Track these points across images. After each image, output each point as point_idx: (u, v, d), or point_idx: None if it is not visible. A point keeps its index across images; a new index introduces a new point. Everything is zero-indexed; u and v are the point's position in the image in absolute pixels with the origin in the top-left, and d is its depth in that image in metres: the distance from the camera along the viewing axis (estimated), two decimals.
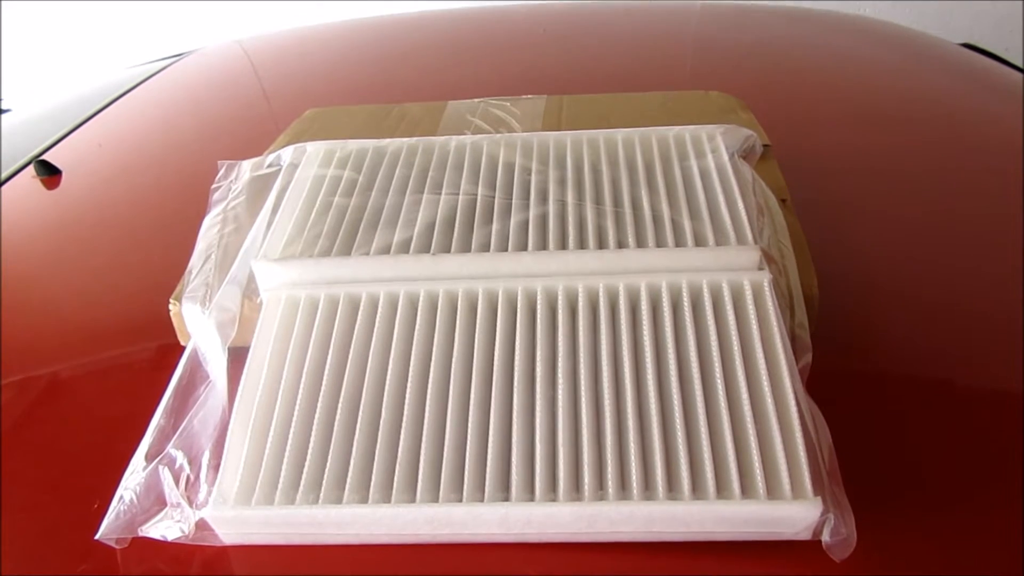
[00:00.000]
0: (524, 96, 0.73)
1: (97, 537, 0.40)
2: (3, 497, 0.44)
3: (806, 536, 0.38)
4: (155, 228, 0.71)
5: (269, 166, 0.57)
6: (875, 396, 0.48)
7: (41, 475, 0.46)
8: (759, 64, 0.96)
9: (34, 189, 0.80)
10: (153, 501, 0.41)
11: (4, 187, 0.81)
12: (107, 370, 0.54)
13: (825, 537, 0.37)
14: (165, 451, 0.42)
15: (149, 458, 0.42)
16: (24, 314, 0.61)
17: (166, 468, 0.41)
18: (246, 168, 0.57)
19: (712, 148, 0.54)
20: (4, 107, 1.12)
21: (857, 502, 0.38)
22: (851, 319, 0.52)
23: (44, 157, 0.83)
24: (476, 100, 0.72)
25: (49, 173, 0.81)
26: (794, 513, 0.37)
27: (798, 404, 0.40)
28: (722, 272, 0.46)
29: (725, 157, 0.53)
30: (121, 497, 0.41)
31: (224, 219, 0.53)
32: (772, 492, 0.38)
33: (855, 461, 0.40)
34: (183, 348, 0.48)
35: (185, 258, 0.52)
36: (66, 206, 0.77)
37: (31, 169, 0.82)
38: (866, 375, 0.49)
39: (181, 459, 0.41)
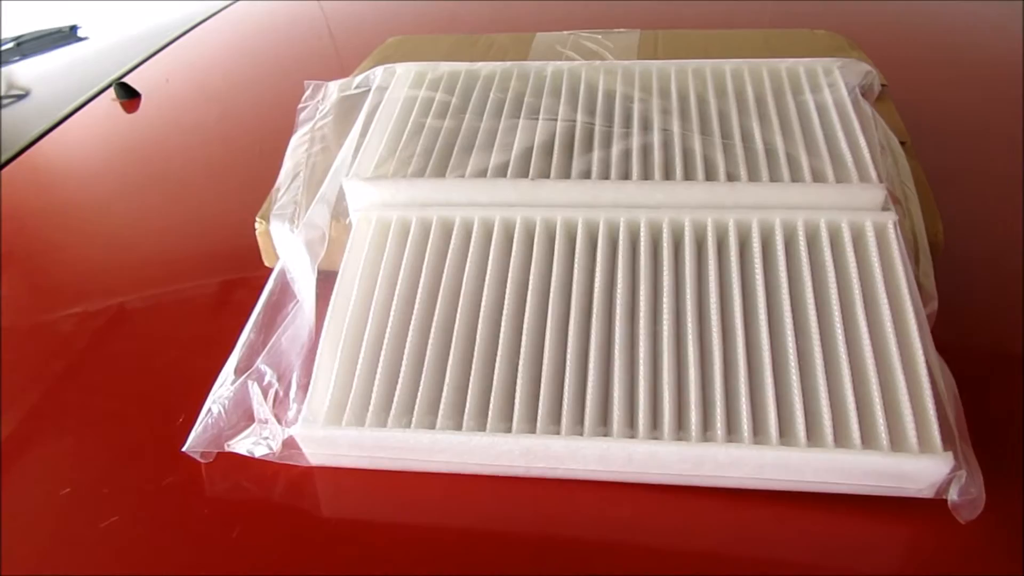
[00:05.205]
0: (616, 30, 0.69)
1: (184, 449, 0.39)
2: (93, 410, 0.44)
3: (928, 494, 0.36)
4: (231, 155, 0.70)
5: (357, 87, 0.55)
6: (998, 352, 0.44)
7: (129, 389, 0.45)
8: (866, 8, 0.91)
9: (114, 112, 0.80)
10: (241, 416, 0.40)
11: (84, 110, 0.81)
12: (192, 292, 0.53)
13: (952, 496, 0.35)
14: (254, 366, 0.41)
15: (238, 373, 0.41)
16: (116, 235, 0.61)
17: (255, 383, 0.40)
18: (333, 89, 0.55)
19: (829, 83, 0.50)
20: (81, 35, 1.12)
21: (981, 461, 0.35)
22: (973, 271, 0.49)
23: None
24: (566, 32, 0.69)
25: (129, 96, 0.81)
26: (922, 468, 0.34)
27: (926, 353, 0.37)
28: (842, 211, 0.42)
29: (844, 91, 0.49)
30: (209, 410, 0.40)
31: (312, 138, 0.51)
32: (896, 444, 0.35)
33: (976, 419, 0.37)
34: (267, 270, 0.47)
35: (262, 183, 0.51)
36: (144, 129, 0.77)
37: (111, 92, 0.82)
38: (988, 331, 0.46)
39: (270, 375, 0.40)
